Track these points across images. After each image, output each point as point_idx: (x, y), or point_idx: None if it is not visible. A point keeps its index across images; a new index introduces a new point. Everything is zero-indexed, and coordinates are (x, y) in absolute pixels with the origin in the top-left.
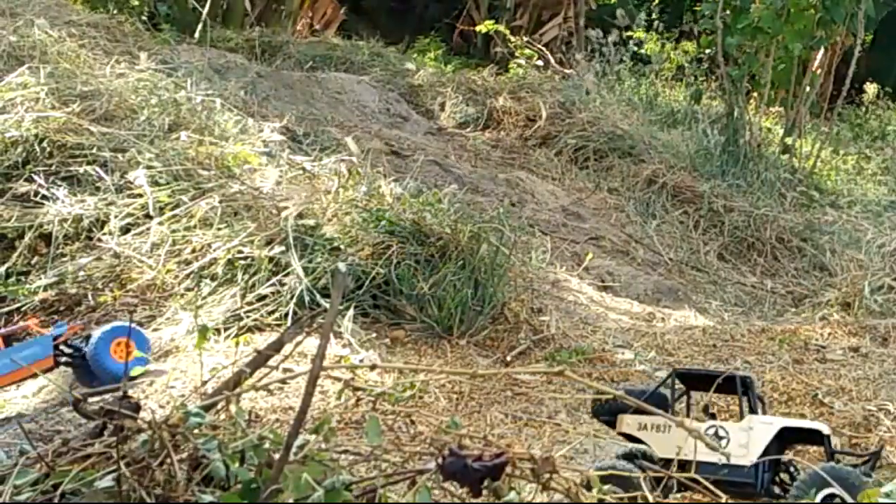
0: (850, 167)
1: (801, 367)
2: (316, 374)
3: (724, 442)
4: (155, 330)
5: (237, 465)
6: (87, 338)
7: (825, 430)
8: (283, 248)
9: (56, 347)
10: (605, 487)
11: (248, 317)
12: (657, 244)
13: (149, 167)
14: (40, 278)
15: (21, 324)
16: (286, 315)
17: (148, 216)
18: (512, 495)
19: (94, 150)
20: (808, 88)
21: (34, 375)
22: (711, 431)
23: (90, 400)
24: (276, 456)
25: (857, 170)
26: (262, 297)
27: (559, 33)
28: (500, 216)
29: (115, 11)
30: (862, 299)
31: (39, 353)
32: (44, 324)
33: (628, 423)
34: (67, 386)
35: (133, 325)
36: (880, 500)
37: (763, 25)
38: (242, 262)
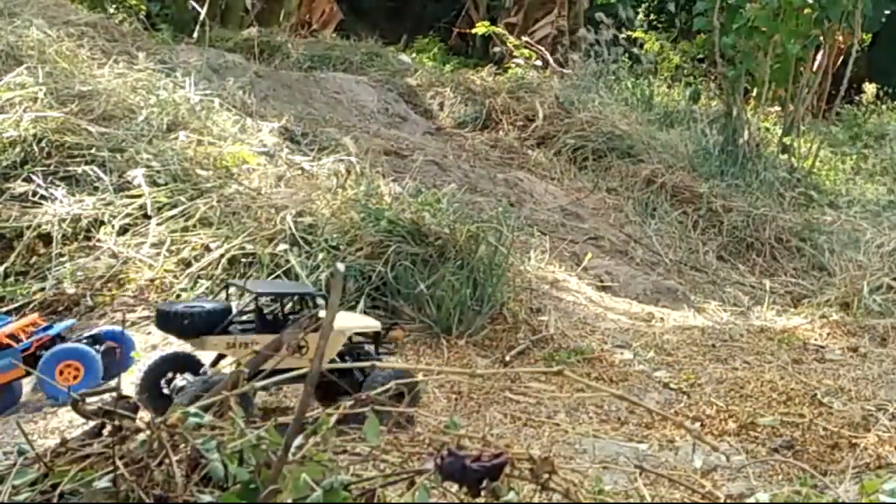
0: (848, 167)
1: (799, 366)
2: (315, 374)
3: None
4: (149, 333)
5: (236, 465)
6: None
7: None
8: (285, 245)
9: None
10: None
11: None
12: (656, 244)
13: (147, 167)
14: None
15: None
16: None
17: (146, 216)
18: (511, 496)
19: (92, 150)
20: (805, 88)
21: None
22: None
23: (88, 400)
24: (275, 456)
25: (856, 170)
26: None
27: (550, 31)
28: (498, 216)
29: (113, 11)
30: (861, 299)
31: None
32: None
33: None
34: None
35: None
36: (882, 499)
37: (758, 25)
38: (242, 261)
